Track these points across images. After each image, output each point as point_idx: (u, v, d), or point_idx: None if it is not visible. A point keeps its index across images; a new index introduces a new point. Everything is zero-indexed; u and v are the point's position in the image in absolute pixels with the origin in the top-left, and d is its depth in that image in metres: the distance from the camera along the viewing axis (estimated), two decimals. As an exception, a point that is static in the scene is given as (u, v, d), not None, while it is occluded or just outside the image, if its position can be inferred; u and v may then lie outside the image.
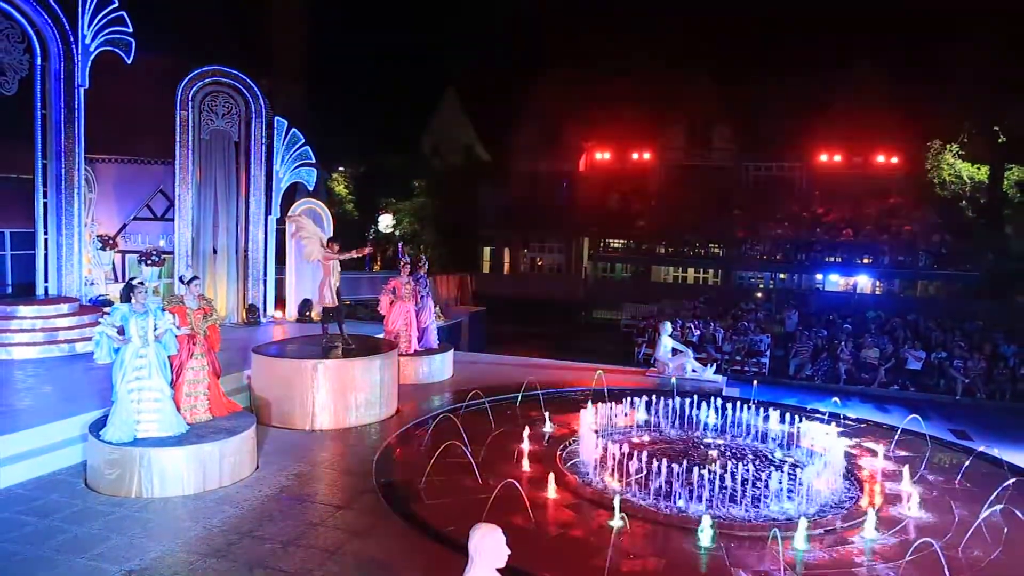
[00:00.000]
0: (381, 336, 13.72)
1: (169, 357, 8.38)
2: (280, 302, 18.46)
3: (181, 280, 9.12)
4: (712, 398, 11.28)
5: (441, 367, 14.05)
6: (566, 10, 40.09)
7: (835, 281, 37.27)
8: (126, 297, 8.15)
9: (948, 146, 34.31)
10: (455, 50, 41.24)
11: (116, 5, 14.81)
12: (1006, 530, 7.64)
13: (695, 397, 11.32)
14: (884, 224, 34.84)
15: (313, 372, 10.61)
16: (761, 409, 10.97)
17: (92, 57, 14.66)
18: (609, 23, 40.20)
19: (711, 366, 15.37)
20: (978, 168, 34.22)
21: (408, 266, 14.05)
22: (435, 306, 15.65)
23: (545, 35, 40.26)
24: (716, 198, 39.63)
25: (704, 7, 37.41)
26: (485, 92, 42.26)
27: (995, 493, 8.04)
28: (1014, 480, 8.49)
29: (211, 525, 7.27)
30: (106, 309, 10.15)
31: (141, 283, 8.19)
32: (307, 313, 17.72)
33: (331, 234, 18.96)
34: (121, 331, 8.02)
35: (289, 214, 13.25)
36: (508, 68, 40.90)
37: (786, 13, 36.74)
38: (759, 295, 34.22)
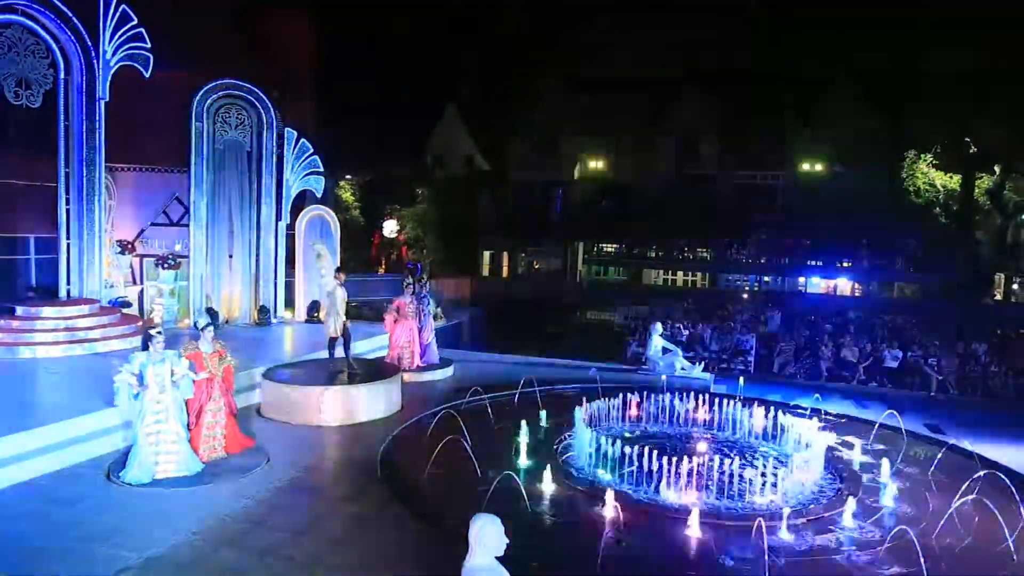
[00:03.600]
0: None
1: (186, 401, 8.44)
2: (290, 303, 18.46)
3: (195, 327, 9.18)
4: (700, 394, 11.29)
5: (443, 378, 14.02)
6: (561, 24, 40.11)
7: (816, 284, 37.36)
8: (144, 346, 8.34)
9: (922, 156, 34.36)
10: (457, 64, 41.27)
11: (135, 22, 14.82)
12: (977, 519, 7.67)
13: (684, 393, 11.33)
14: (863, 230, 34.88)
15: (320, 398, 10.64)
16: (747, 405, 10.98)
17: (112, 71, 14.68)
18: (604, 35, 40.18)
19: (699, 364, 15.36)
20: (950, 177, 34.28)
21: (411, 286, 14.01)
22: (437, 307, 15.60)
23: (541, 49, 40.26)
24: (703, 205, 39.66)
25: (693, 20, 37.45)
26: (485, 104, 42.29)
27: (966, 484, 8.06)
28: (984, 472, 8.49)
29: (225, 515, 7.29)
30: (124, 351, 10.11)
31: (159, 333, 8.31)
32: (315, 314, 17.71)
33: (338, 240, 19.09)
34: (140, 378, 8.08)
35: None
36: (507, 80, 40.90)
37: (769, 28, 36.81)
38: (744, 297, 34.22)
